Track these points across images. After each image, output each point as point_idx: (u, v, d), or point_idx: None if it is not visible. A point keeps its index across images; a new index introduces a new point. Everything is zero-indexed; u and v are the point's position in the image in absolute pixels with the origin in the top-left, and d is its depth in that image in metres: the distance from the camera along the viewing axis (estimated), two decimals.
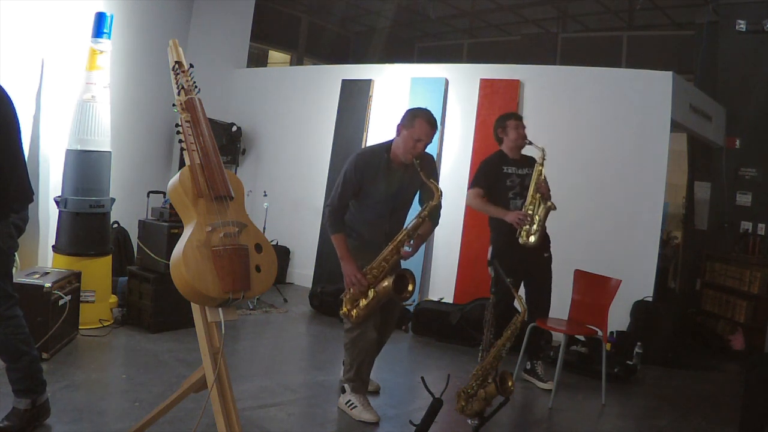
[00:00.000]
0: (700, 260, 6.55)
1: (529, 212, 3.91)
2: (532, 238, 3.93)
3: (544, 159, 3.97)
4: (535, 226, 3.92)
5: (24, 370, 2.62)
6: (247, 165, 7.05)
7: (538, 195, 3.93)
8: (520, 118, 4.13)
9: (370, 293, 3.19)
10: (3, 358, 2.66)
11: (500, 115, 4.21)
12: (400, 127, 3.22)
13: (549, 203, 3.92)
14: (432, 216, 3.28)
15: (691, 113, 5.73)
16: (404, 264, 3.38)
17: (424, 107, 3.31)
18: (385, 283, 3.17)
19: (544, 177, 3.97)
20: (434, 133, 3.21)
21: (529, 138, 4.06)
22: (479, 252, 5.56)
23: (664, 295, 5.57)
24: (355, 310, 3.23)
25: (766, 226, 6.40)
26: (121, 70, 5.31)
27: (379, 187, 3.23)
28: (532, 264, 4.03)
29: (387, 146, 3.28)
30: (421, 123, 3.15)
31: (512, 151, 4.06)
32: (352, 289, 3.21)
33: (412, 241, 3.24)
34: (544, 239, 4.05)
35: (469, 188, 4.16)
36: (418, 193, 3.42)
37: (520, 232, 3.96)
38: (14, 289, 2.67)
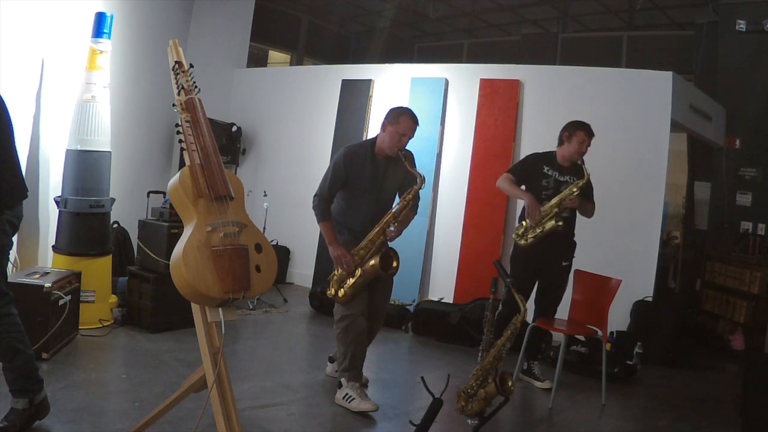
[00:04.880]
0: (700, 260, 6.55)
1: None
2: (523, 242, 3.94)
3: (585, 182, 3.89)
4: (533, 232, 3.90)
5: (19, 370, 2.61)
6: (247, 165, 7.05)
7: (556, 210, 3.86)
8: (591, 134, 3.95)
9: (357, 272, 3.43)
10: None
11: (577, 120, 3.99)
12: (385, 124, 3.48)
13: (559, 223, 3.82)
14: (414, 201, 3.52)
15: (691, 113, 5.73)
16: (398, 248, 3.56)
17: (405, 106, 3.64)
18: (372, 262, 3.41)
19: (575, 196, 3.86)
20: (416, 128, 3.47)
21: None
22: (479, 252, 5.57)
23: (664, 295, 5.56)
24: (342, 290, 3.47)
25: (766, 226, 6.40)
26: (121, 70, 5.32)
27: (365, 178, 3.48)
28: (549, 268, 4.01)
29: (372, 141, 3.58)
30: (405, 120, 3.43)
31: (564, 158, 3.98)
32: (339, 269, 3.47)
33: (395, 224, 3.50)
34: (567, 247, 4.04)
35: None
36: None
37: (518, 228, 3.98)
38: (8, 287, 2.67)
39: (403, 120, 3.42)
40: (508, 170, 4.18)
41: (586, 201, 4.00)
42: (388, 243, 3.53)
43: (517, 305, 3.20)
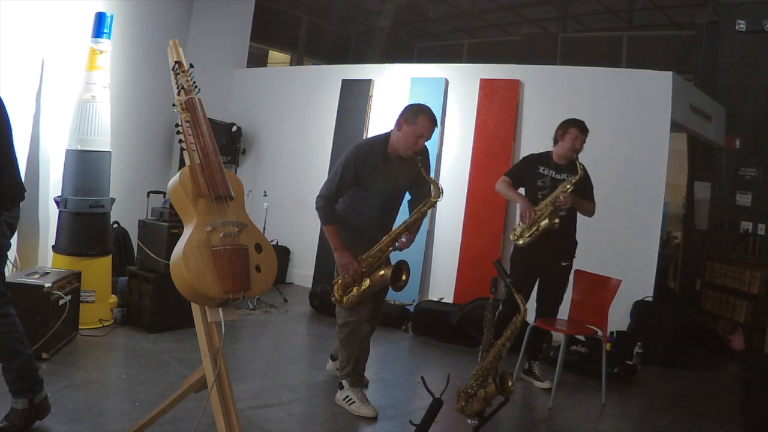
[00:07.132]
0: (700, 260, 6.55)
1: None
2: (520, 242, 3.91)
3: (578, 177, 3.88)
4: (530, 232, 3.89)
5: (19, 370, 2.61)
6: (247, 165, 7.05)
7: (551, 207, 3.86)
8: (584, 131, 3.97)
9: (366, 282, 3.29)
10: None
11: (570, 118, 4.03)
12: (401, 122, 3.26)
13: (555, 221, 3.82)
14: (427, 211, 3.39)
15: (691, 113, 5.73)
16: (400, 254, 3.47)
17: (424, 103, 3.37)
18: (382, 272, 3.29)
19: (569, 193, 3.85)
20: (434, 129, 3.28)
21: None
22: (479, 252, 5.57)
23: (664, 295, 5.56)
24: (346, 297, 3.32)
25: (766, 226, 6.40)
26: (121, 70, 5.31)
27: (376, 179, 3.30)
28: (548, 268, 4.01)
29: (384, 138, 3.35)
30: (424, 120, 3.21)
31: (559, 156, 3.99)
32: (345, 276, 3.29)
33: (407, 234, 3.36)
34: (567, 246, 4.04)
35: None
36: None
37: (515, 229, 3.97)
38: (7, 288, 2.67)
39: (421, 120, 3.21)
40: (505, 173, 4.17)
41: (584, 200, 3.99)
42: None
43: (517, 305, 3.20)
